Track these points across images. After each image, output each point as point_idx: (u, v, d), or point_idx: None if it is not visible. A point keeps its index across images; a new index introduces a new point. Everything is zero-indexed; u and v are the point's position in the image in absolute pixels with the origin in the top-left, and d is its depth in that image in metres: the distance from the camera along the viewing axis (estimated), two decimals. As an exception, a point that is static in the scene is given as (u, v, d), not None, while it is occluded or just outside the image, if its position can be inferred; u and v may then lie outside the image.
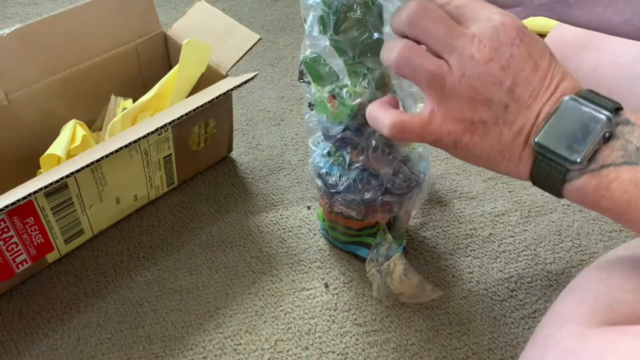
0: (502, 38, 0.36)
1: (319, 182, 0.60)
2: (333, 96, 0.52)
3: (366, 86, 0.50)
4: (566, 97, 0.36)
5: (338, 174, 0.58)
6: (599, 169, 0.34)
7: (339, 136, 0.56)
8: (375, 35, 0.48)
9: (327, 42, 0.50)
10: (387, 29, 0.47)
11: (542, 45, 0.37)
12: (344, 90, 0.51)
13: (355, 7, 0.47)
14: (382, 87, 0.51)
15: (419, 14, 0.38)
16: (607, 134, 0.35)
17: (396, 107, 0.43)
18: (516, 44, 0.36)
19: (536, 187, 0.38)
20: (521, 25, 0.37)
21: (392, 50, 0.39)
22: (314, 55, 0.51)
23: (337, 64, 0.51)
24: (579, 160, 0.34)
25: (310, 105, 0.56)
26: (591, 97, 0.36)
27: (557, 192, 0.37)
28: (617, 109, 0.35)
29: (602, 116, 0.35)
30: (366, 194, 0.57)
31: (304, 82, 0.55)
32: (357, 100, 0.51)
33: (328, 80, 0.52)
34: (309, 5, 0.49)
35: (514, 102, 0.36)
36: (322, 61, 0.51)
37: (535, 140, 0.36)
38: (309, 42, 0.52)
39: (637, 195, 0.33)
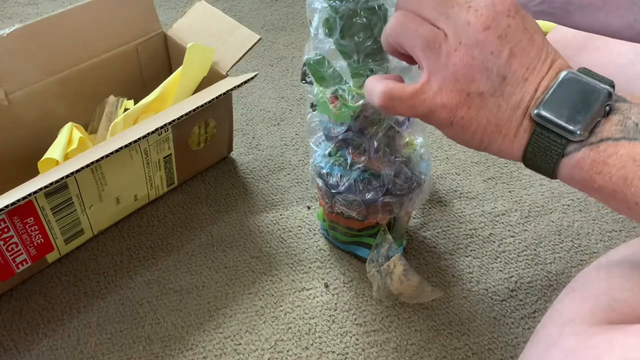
0: (498, 9, 0.36)
1: (320, 182, 0.60)
2: (335, 96, 0.52)
3: None
4: (564, 72, 0.36)
5: (339, 175, 0.58)
6: (597, 142, 0.34)
7: (340, 137, 0.56)
8: (380, 40, 0.48)
9: (332, 45, 0.50)
10: None
11: (534, 22, 0.37)
12: (347, 91, 0.51)
13: (361, 12, 0.47)
14: None
15: None
16: (607, 107, 0.34)
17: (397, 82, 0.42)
18: (512, 16, 0.36)
19: (529, 168, 0.37)
20: (515, 1, 0.37)
21: (389, 21, 0.39)
22: (318, 57, 0.51)
23: (341, 65, 0.51)
24: (579, 131, 0.34)
25: (313, 105, 0.56)
26: (589, 72, 0.36)
27: (552, 168, 0.36)
28: (612, 87, 0.35)
29: (603, 89, 0.35)
30: (367, 194, 0.57)
31: (306, 82, 0.55)
32: (360, 102, 0.51)
33: (331, 82, 0.52)
34: (314, 9, 0.49)
35: (512, 73, 0.36)
36: (326, 63, 0.51)
37: (536, 111, 0.35)
38: (313, 44, 0.51)
39: (634, 171, 0.33)
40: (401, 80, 0.42)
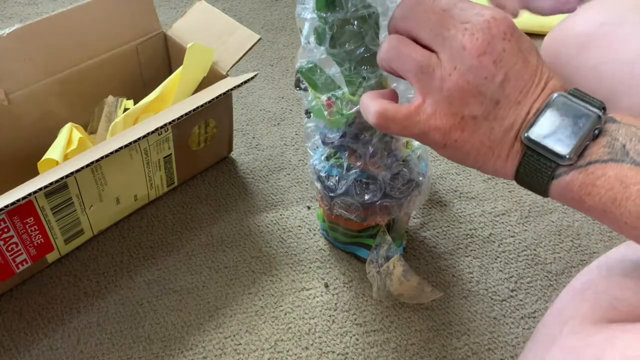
0: (493, 32, 0.36)
1: (319, 185, 0.60)
2: (332, 101, 0.52)
3: (362, 94, 0.50)
4: (555, 94, 0.36)
5: (337, 177, 0.58)
6: (586, 165, 0.34)
7: (336, 142, 0.56)
8: (372, 48, 0.48)
9: (323, 54, 0.50)
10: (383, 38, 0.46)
11: (530, 42, 0.37)
12: (340, 99, 0.51)
13: (351, 20, 0.46)
14: None
15: (411, 5, 0.38)
16: (596, 131, 0.35)
17: (392, 99, 0.43)
18: (507, 39, 0.36)
19: (523, 187, 0.38)
20: (511, 21, 0.37)
21: (382, 45, 0.39)
22: (310, 65, 0.51)
23: (334, 71, 0.51)
24: (568, 155, 0.34)
25: (308, 112, 0.56)
26: (580, 94, 0.36)
27: (543, 190, 0.36)
28: (603, 108, 0.35)
29: (593, 113, 0.35)
30: (365, 197, 0.57)
31: (300, 89, 0.55)
32: (354, 109, 0.51)
33: (324, 89, 0.52)
34: (304, 18, 0.49)
35: (505, 97, 0.36)
36: (318, 71, 0.51)
37: (525, 135, 0.36)
38: (305, 52, 0.51)
39: (622, 192, 0.33)
40: (396, 96, 0.43)
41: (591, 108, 0.35)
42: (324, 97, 0.53)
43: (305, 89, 0.54)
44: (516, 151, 0.37)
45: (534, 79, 0.36)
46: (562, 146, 0.35)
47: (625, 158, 0.33)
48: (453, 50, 0.36)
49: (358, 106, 0.51)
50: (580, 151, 0.35)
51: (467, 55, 0.36)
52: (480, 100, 0.36)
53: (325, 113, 0.53)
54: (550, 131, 0.35)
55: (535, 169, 0.36)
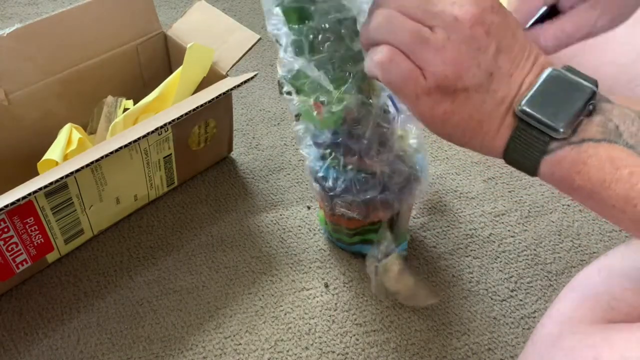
0: (482, 5, 0.35)
1: (317, 187, 0.60)
2: (320, 103, 0.52)
3: (350, 91, 0.50)
4: (549, 68, 0.36)
5: (335, 177, 0.58)
6: (579, 142, 0.34)
7: (329, 142, 0.56)
8: (352, 46, 0.47)
9: (303, 63, 0.49)
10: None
11: (515, 20, 0.37)
12: (328, 98, 0.51)
13: (327, 25, 0.45)
14: (367, 89, 0.51)
15: None
16: (591, 106, 0.34)
17: None
18: (495, 12, 0.36)
19: (510, 165, 0.37)
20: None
21: (370, 20, 0.38)
22: (292, 72, 0.50)
23: (318, 74, 0.50)
24: (562, 129, 0.34)
25: (297, 116, 0.56)
26: (574, 70, 0.36)
27: (533, 167, 0.36)
28: (596, 85, 0.35)
29: (587, 87, 0.35)
30: (365, 193, 0.57)
31: (284, 94, 0.54)
32: (342, 105, 0.51)
33: (311, 92, 0.51)
34: (278, 34, 0.48)
35: (498, 69, 0.36)
36: (302, 76, 0.51)
37: (520, 108, 0.35)
38: (285, 63, 0.50)
39: (612, 174, 0.33)
40: None
41: (586, 83, 0.35)
42: (311, 100, 0.52)
43: (289, 93, 0.54)
44: (507, 125, 0.36)
45: (524, 53, 0.36)
46: (557, 119, 0.34)
47: (618, 139, 0.33)
48: (445, 22, 0.35)
49: (345, 102, 0.50)
50: (574, 125, 0.34)
51: (460, 26, 0.35)
52: (473, 72, 0.36)
53: (315, 114, 0.53)
54: (545, 104, 0.35)
55: (527, 143, 0.35)
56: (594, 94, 0.35)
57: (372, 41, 0.39)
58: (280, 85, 0.54)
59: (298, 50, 0.48)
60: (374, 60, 0.38)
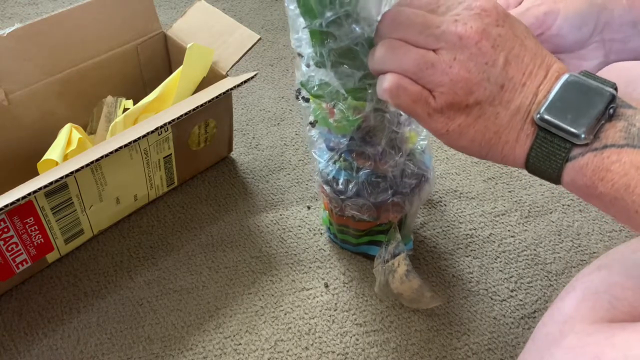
0: (486, 20, 0.35)
1: (328, 189, 0.60)
2: (333, 109, 0.52)
3: (368, 99, 0.50)
4: (566, 74, 0.35)
5: (346, 180, 0.58)
6: (602, 149, 0.34)
7: (343, 147, 0.56)
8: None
9: (323, 74, 0.49)
10: None
11: (525, 28, 0.37)
12: (346, 107, 0.51)
13: (348, 46, 0.45)
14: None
15: (392, 17, 0.38)
16: (611, 110, 0.34)
17: None
18: (501, 24, 0.36)
19: (532, 174, 0.37)
20: (502, 9, 0.36)
21: (374, 52, 0.38)
22: (313, 82, 0.51)
23: (337, 84, 0.51)
24: (583, 134, 0.34)
25: (312, 123, 0.56)
26: (591, 75, 0.36)
27: (556, 175, 0.36)
28: (615, 89, 0.35)
29: (606, 91, 0.34)
30: (376, 196, 0.57)
31: (301, 100, 0.54)
32: (361, 115, 0.51)
33: (329, 98, 0.52)
34: (301, 49, 0.49)
35: (509, 80, 0.36)
36: (323, 86, 0.51)
37: (539, 115, 0.35)
38: (304, 72, 0.51)
39: (637, 179, 0.32)
40: None
41: (604, 87, 0.35)
42: (325, 105, 0.53)
43: (306, 99, 0.54)
44: (526, 134, 0.36)
45: (536, 61, 0.36)
46: (577, 125, 0.34)
47: None
48: (449, 43, 0.36)
49: (364, 112, 0.51)
50: (595, 130, 0.34)
51: (465, 44, 0.35)
52: (484, 87, 0.36)
53: (331, 120, 0.53)
54: (564, 110, 0.34)
55: (549, 151, 0.35)
56: (613, 98, 0.34)
57: (379, 71, 0.39)
58: (298, 91, 0.54)
59: (320, 65, 0.48)
60: (382, 87, 0.38)
